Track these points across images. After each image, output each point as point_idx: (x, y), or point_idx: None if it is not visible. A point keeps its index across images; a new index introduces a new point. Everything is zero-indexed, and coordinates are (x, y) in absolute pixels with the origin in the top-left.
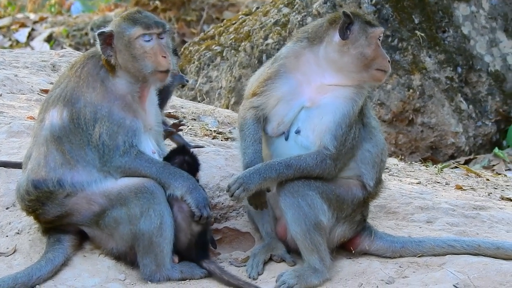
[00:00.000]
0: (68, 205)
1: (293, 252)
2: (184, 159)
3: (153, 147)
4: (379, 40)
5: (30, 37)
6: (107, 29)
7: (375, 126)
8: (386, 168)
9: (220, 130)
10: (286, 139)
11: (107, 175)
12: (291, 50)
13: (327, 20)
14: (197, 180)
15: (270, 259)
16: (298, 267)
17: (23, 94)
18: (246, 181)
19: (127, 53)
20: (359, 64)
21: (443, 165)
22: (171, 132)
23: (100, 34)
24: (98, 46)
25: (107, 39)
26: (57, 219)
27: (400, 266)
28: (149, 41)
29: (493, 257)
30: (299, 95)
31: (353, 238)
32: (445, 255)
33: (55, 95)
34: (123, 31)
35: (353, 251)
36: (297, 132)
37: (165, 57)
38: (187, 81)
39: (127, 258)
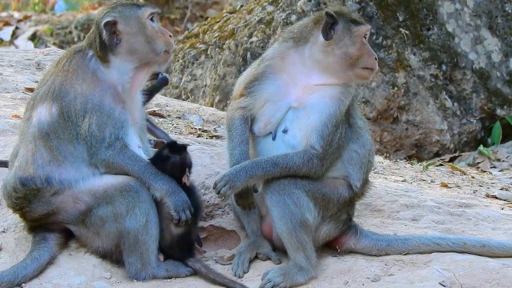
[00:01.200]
0: (54, 204)
1: (279, 250)
2: (175, 156)
3: (138, 142)
4: (365, 38)
5: (14, 35)
6: (108, 18)
7: (361, 126)
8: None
9: (205, 128)
10: (274, 138)
11: (93, 168)
12: (276, 51)
13: (311, 20)
14: (188, 176)
15: (256, 257)
16: (283, 265)
17: (8, 92)
18: (233, 178)
19: (139, 35)
20: (344, 63)
21: (428, 162)
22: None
23: (106, 24)
24: (104, 36)
25: (112, 26)
26: (44, 217)
27: (386, 264)
28: (153, 21)
29: (479, 255)
30: (286, 96)
31: (338, 236)
32: (431, 252)
33: (42, 92)
34: (132, 13)
35: (339, 250)
36: (284, 131)
37: (171, 36)
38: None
39: (112, 256)
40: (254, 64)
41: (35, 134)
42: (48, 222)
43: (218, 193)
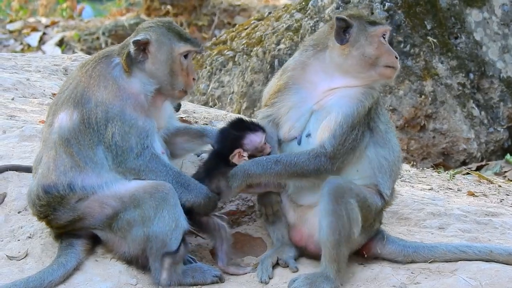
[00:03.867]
0: (80, 209)
1: (307, 257)
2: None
3: (162, 147)
4: (384, 38)
5: (41, 41)
6: (142, 36)
7: (384, 130)
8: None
9: None
10: (299, 143)
11: (121, 176)
12: (297, 61)
13: (328, 25)
14: (238, 156)
15: (277, 263)
16: (310, 274)
17: (35, 98)
18: (231, 178)
19: (165, 65)
20: (364, 64)
21: (455, 171)
22: None
23: (136, 42)
24: (131, 51)
25: (141, 45)
26: (70, 224)
27: (412, 272)
28: (187, 58)
29: (505, 264)
30: (308, 101)
31: (366, 242)
32: (457, 261)
33: (64, 97)
34: (168, 43)
35: (365, 256)
36: (308, 135)
37: (194, 79)
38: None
39: (138, 262)
40: (277, 74)
41: (56, 140)
42: (75, 228)
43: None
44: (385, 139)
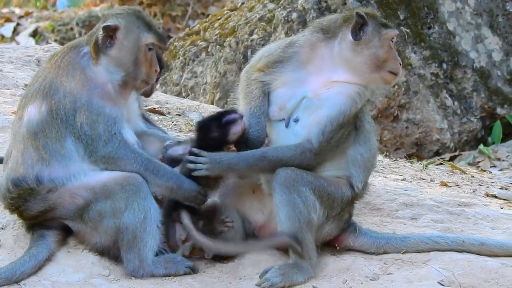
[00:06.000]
0: (51, 200)
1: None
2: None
3: (133, 139)
4: (392, 42)
5: (15, 31)
6: (111, 22)
7: (369, 130)
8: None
9: None
10: (287, 126)
11: (94, 166)
12: (307, 40)
13: (341, 17)
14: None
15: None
16: (283, 264)
17: (8, 89)
18: (215, 164)
19: (130, 52)
20: (372, 65)
21: (428, 161)
22: None
23: (106, 27)
24: (99, 36)
25: (110, 31)
26: (41, 214)
27: (384, 263)
28: (151, 50)
29: (477, 254)
30: (304, 85)
31: (338, 235)
32: (430, 251)
33: (33, 89)
34: (136, 31)
35: (338, 248)
36: (296, 120)
37: (156, 71)
38: None
39: (110, 253)
40: (281, 43)
41: (24, 134)
42: (46, 219)
43: (193, 163)
44: (366, 138)
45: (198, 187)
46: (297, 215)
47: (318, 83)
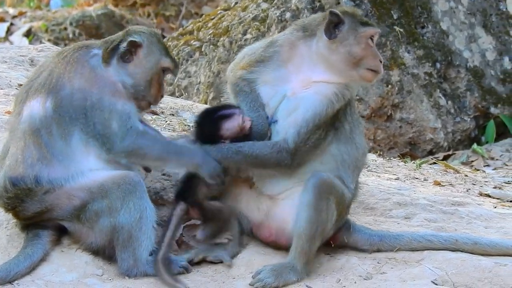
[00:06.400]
0: (48, 201)
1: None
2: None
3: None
4: (372, 40)
5: (9, 31)
6: (138, 39)
7: (348, 129)
8: (365, 164)
9: None
10: (269, 124)
11: (113, 163)
12: (287, 39)
13: (322, 15)
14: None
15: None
16: (277, 265)
17: (1, 89)
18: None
19: (146, 72)
20: (348, 62)
21: (422, 161)
22: None
23: (130, 42)
24: (121, 47)
25: (134, 47)
26: (37, 215)
27: (378, 262)
28: (164, 74)
29: (471, 253)
30: (285, 83)
31: (334, 233)
32: (423, 250)
33: (37, 83)
34: (158, 53)
35: (333, 245)
36: (275, 121)
37: (162, 96)
38: None
39: (105, 252)
40: (263, 43)
41: (25, 130)
42: (43, 220)
43: None
44: (348, 138)
45: (217, 166)
46: (318, 221)
47: (298, 82)
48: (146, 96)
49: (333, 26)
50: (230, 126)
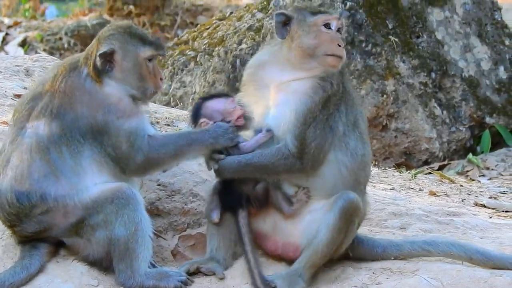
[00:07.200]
0: (45, 222)
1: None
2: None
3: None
4: (326, 27)
5: (4, 41)
6: (107, 47)
7: (342, 132)
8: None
9: None
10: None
11: (131, 180)
12: (255, 59)
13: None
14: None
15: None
16: (276, 274)
17: None
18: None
19: (132, 71)
20: (303, 54)
21: (417, 171)
22: None
23: (101, 55)
24: (97, 64)
25: (107, 57)
26: (35, 234)
27: (373, 273)
28: (151, 61)
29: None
30: (266, 97)
31: None
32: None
33: (39, 108)
34: (133, 49)
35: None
36: (269, 130)
37: (162, 79)
38: None
39: (102, 263)
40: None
41: (32, 145)
42: (40, 237)
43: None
44: (342, 140)
45: (226, 125)
46: (336, 243)
47: (274, 90)
48: (146, 90)
49: (282, 25)
50: (216, 107)
